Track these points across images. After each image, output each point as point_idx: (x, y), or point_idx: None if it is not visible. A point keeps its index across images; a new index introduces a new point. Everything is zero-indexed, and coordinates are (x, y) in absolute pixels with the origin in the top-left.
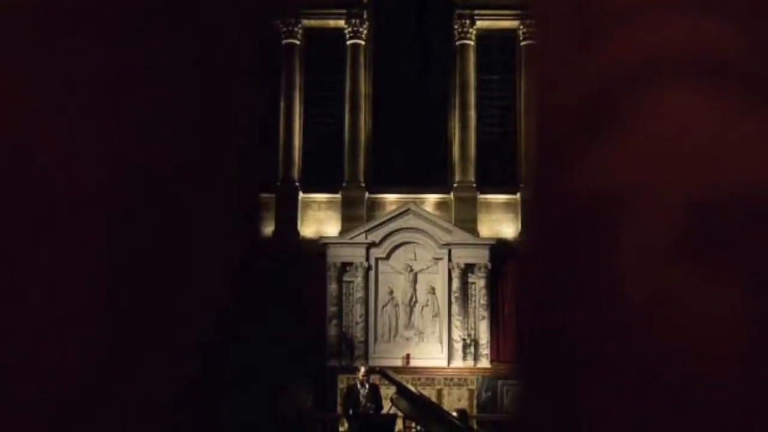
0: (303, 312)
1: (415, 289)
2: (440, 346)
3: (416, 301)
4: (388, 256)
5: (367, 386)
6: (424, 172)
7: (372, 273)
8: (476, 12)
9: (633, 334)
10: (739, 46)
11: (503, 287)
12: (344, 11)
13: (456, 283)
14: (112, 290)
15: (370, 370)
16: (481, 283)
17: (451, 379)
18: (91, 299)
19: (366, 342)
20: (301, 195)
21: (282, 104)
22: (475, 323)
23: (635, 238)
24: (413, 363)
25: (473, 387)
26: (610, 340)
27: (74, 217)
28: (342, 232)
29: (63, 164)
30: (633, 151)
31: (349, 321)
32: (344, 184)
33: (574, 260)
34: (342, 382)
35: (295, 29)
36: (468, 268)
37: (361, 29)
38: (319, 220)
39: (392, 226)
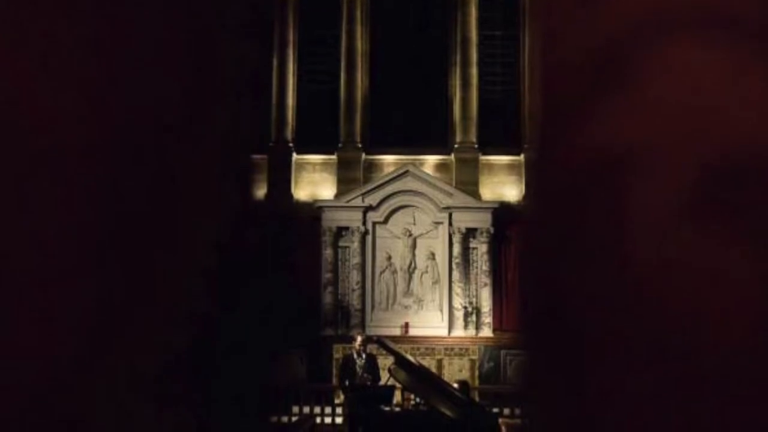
0: (297, 279)
1: (414, 255)
2: (440, 314)
3: (415, 268)
4: (385, 220)
5: (363, 356)
6: (424, 132)
7: (369, 238)
8: None
9: (643, 300)
10: None
11: (506, 253)
12: None
13: (457, 249)
14: (97, 255)
15: (367, 340)
16: (483, 248)
17: (452, 349)
18: (75, 265)
19: (363, 310)
20: (294, 156)
21: (275, 61)
22: (476, 290)
23: (645, 199)
24: (412, 332)
25: (475, 357)
26: (620, 306)
27: (57, 179)
28: (338, 195)
29: (45, 123)
30: (642, 108)
31: (345, 288)
32: (340, 145)
33: (580, 223)
34: (337, 352)
35: None
36: (469, 233)
37: None
38: (314, 182)
39: (390, 188)
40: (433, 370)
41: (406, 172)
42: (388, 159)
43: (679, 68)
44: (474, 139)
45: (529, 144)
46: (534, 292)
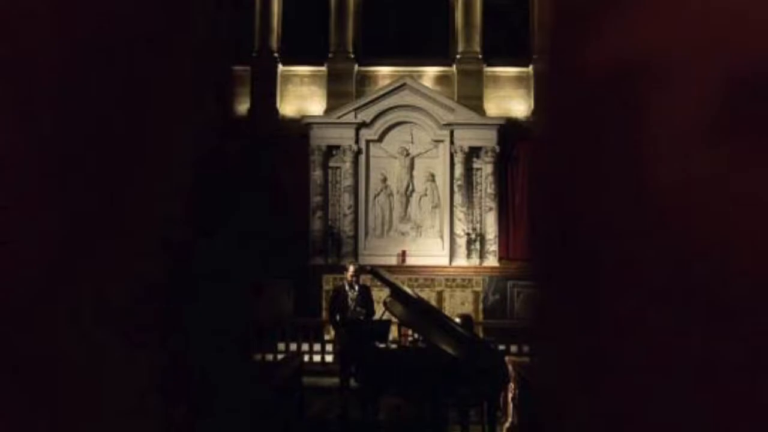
0: (282, 202)
1: (411, 176)
2: (441, 241)
3: (413, 190)
4: (380, 139)
5: (356, 288)
6: (423, 41)
7: (362, 158)
8: None
9: (664, 225)
10: None
11: (513, 174)
12: None
13: (459, 169)
14: (61, 175)
15: (360, 270)
16: (488, 168)
17: (454, 280)
18: (36, 185)
19: (355, 237)
20: (280, 67)
21: None
22: (480, 215)
23: (666, 114)
24: (410, 261)
25: (479, 289)
26: (638, 232)
27: (17, 90)
28: (328, 111)
29: (6, 29)
30: (662, 14)
31: (336, 213)
32: (330, 55)
33: (595, 141)
34: (327, 284)
35: None
36: (473, 152)
37: None
38: (302, 96)
39: (385, 103)
40: (433, 303)
41: (403, 85)
42: (384, 71)
43: None
44: (478, 49)
45: (539, 54)
46: (544, 217)
